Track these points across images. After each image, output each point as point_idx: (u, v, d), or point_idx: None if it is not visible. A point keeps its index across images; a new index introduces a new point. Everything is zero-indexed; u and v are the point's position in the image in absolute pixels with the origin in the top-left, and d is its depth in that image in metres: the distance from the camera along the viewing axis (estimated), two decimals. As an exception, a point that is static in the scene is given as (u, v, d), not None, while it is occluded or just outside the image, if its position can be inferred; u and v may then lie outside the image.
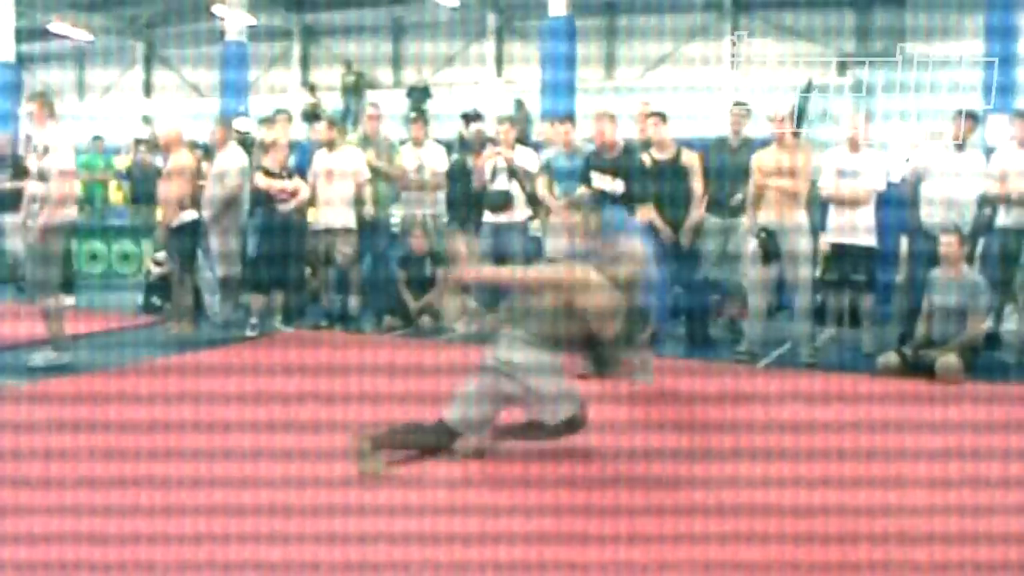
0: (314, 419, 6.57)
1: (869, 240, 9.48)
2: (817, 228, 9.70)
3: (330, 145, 10.72)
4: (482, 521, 4.82)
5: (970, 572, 4.30)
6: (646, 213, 9.29)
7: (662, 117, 9.80)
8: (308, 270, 11.34)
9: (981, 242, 9.84)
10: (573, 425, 5.84)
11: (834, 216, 9.59)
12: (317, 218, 10.70)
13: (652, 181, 9.53)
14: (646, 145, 9.97)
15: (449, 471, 5.63)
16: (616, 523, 4.80)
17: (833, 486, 5.34)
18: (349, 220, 10.58)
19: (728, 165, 9.97)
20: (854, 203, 9.36)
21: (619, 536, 4.62)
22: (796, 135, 10.04)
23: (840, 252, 9.57)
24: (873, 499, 5.22)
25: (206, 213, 10.27)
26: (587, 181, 9.45)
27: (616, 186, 9.33)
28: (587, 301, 5.73)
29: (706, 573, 4.28)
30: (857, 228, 9.46)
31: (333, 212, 10.56)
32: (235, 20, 24.17)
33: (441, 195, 11.32)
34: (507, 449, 5.93)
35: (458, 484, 5.47)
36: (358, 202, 10.64)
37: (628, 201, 9.27)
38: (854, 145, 9.45)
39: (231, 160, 10.29)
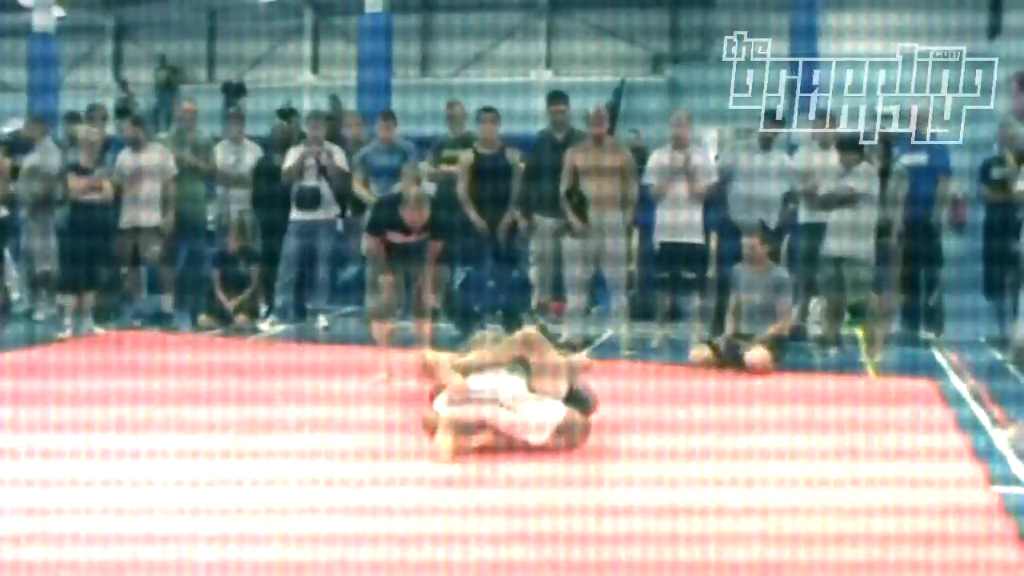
0: (145, 419, 6.51)
1: (698, 238, 9.60)
2: (637, 226, 10.04)
3: (135, 144, 10.55)
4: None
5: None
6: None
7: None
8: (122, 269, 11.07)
9: (787, 238, 10.13)
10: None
11: (663, 215, 9.62)
12: (124, 217, 10.48)
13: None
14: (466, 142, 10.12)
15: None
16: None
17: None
18: (156, 219, 10.46)
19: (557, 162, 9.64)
20: (687, 201, 9.50)
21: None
22: (611, 133, 10.17)
23: (671, 250, 9.60)
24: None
25: (23, 211, 10.28)
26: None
27: None
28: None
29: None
30: (688, 226, 9.52)
31: (140, 211, 10.43)
32: (44, 13, 23.34)
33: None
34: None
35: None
36: (166, 201, 10.50)
37: None
38: (680, 142, 9.60)
39: (46, 156, 10.29)
